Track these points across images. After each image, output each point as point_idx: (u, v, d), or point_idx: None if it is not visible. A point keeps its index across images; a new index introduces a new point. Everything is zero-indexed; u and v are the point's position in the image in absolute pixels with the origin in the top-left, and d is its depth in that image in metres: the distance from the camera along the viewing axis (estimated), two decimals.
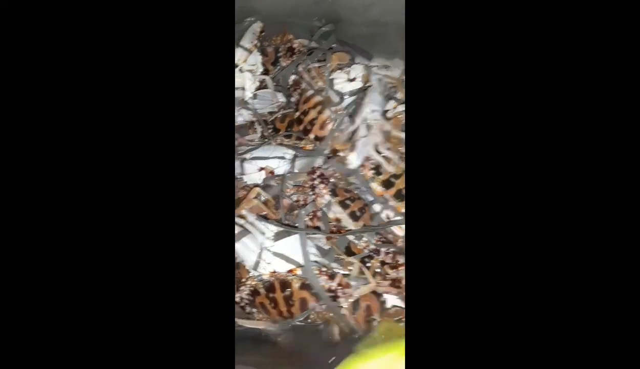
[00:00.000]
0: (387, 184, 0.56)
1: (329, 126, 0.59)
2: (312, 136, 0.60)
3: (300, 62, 0.65)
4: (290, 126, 0.63)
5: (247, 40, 0.66)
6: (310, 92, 0.61)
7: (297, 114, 0.62)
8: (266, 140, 0.63)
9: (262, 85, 0.67)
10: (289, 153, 0.58)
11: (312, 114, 0.59)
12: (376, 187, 0.56)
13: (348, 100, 0.60)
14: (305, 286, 0.51)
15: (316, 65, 0.62)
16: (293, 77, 0.65)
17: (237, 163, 0.61)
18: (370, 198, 0.56)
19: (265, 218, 0.54)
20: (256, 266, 0.52)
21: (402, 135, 0.56)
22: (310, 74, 0.63)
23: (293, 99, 0.64)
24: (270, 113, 0.66)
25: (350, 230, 0.54)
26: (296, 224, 0.53)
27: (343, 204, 0.55)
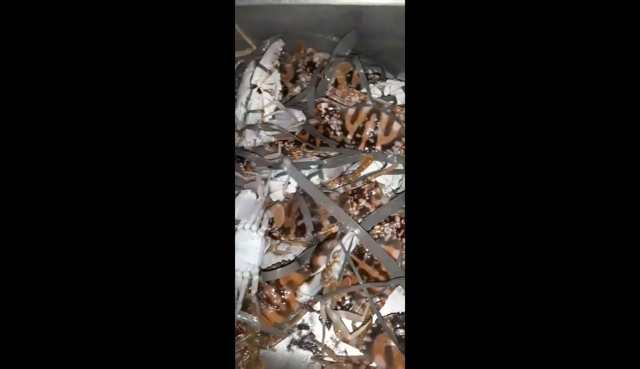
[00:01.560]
0: None
1: (395, 127, 0.56)
2: (378, 146, 0.57)
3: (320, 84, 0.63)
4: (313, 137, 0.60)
5: (268, 60, 0.65)
6: (352, 109, 0.58)
7: (349, 136, 0.59)
8: (288, 156, 0.59)
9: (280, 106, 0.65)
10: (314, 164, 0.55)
11: (370, 125, 0.57)
12: None
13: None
14: None
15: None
16: (323, 105, 0.62)
17: (262, 183, 0.58)
18: None
19: None
20: None
21: None
22: (337, 94, 0.60)
23: (335, 128, 0.60)
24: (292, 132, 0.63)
25: None
26: None
27: None
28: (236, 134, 0.64)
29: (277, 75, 0.66)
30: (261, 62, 0.65)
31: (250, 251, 0.56)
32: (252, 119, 0.66)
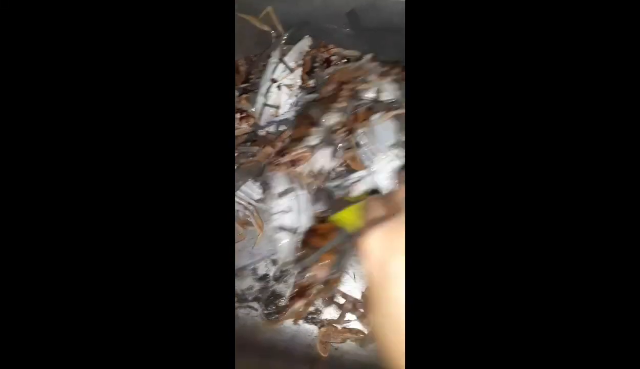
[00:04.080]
0: None
1: None
2: None
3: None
4: None
5: (293, 58, 0.65)
6: None
7: None
8: None
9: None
10: None
11: None
12: None
13: None
14: None
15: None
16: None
17: None
18: None
19: None
20: None
21: None
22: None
23: None
24: None
25: None
26: None
27: None
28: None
29: (298, 72, 0.67)
30: (285, 59, 0.65)
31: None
32: (267, 112, 0.68)
